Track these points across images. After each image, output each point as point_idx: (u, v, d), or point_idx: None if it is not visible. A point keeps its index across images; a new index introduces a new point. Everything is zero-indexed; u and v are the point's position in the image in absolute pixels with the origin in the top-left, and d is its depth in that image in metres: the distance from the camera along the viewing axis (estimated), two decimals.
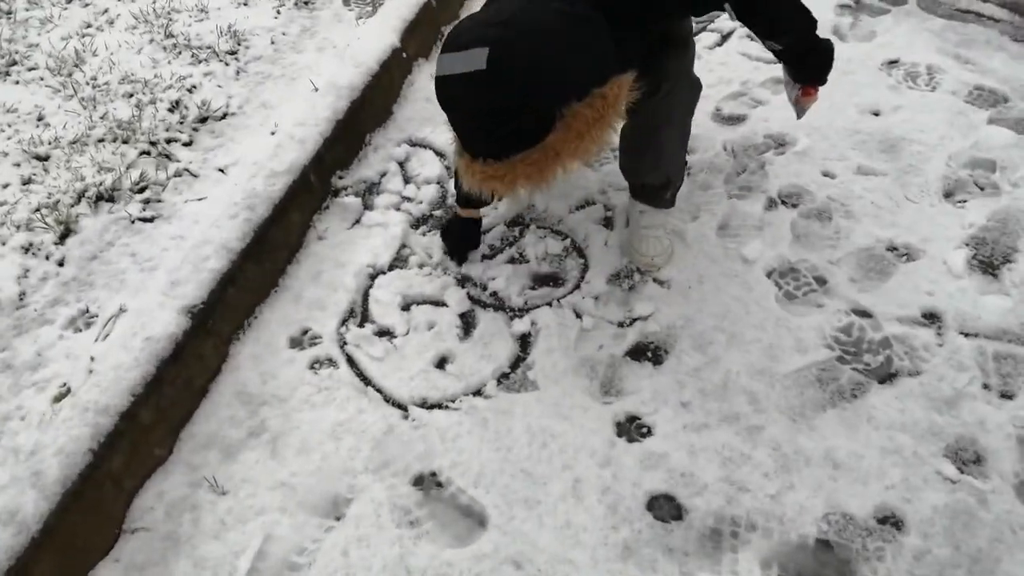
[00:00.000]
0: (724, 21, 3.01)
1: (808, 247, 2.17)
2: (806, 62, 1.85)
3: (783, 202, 2.30)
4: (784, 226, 2.22)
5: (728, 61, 2.79)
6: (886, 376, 1.87)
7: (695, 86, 2.01)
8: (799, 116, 2.02)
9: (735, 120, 2.60)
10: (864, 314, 2.00)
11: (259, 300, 2.12)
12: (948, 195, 2.29)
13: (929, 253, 2.12)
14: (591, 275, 2.14)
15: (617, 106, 1.59)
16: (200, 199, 2.30)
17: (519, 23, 1.53)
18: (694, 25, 2.53)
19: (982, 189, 2.30)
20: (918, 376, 1.86)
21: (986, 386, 1.84)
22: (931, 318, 1.98)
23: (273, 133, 2.48)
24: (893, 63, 2.76)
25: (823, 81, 1.89)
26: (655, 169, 2.06)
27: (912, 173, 2.34)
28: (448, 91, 1.60)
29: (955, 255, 2.11)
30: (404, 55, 2.78)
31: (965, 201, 2.27)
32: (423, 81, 2.81)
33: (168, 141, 2.47)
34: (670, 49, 1.85)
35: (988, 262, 2.10)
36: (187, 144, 2.48)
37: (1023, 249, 2.13)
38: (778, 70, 2.70)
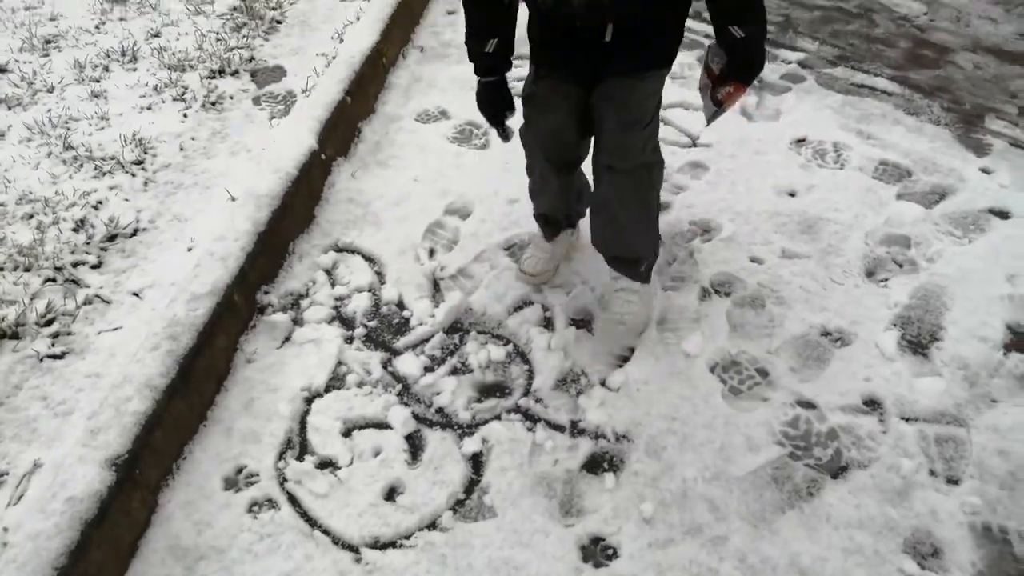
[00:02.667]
0: None
1: (746, 337, 2.19)
2: (755, 57, 1.83)
3: (716, 291, 2.33)
4: (720, 317, 2.25)
5: None
6: (838, 470, 1.89)
7: (657, 163, 2.04)
8: (712, 120, 2.00)
9: (661, 208, 2.63)
10: (808, 405, 2.02)
11: (187, 438, 1.98)
12: (870, 274, 2.37)
13: (861, 336, 2.18)
14: (538, 382, 2.10)
15: None
16: (115, 328, 2.14)
17: None
18: None
19: (901, 266, 2.39)
20: (868, 468, 1.89)
21: (932, 472, 1.88)
22: (872, 405, 2.03)
23: (190, 249, 2.36)
24: (801, 141, 2.88)
25: (752, 80, 1.89)
26: (621, 245, 2.11)
27: (834, 254, 2.42)
28: None
29: (885, 337, 2.17)
30: (323, 156, 2.71)
31: (887, 280, 2.35)
32: (344, 181, 2.75)
33: (75, 265, 2.31)
34: (628, 117, 1.91)
35: (917, 342, 2.17)
36: (96, 267, 2.33)
37: (947, 326, 2.21)
38: (695, 154, 2.78)
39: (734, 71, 1.85)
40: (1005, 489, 1.84)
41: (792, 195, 2.65)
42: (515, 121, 2.10)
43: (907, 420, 1.98)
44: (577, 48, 1.91)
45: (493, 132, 2.88)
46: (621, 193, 2.01)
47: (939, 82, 3.23)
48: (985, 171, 2.74)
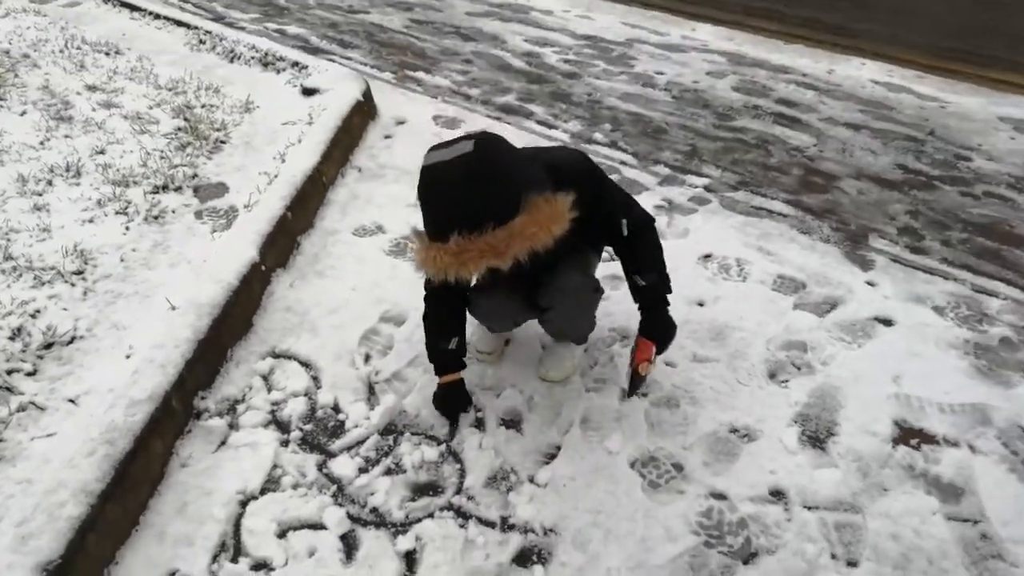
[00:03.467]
0: None
1: (662, 435, 2.36)
2: (661, 312, 2.25)
3: (635, 392, 2.50)
4: (639, 416, 2.41)
5: None
6: (748, 556, 2.03)
7: (597, 294, 2.38)
8: (633, 390, 2.37)
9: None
10: (720, 496, 2.18)
11: (120, 543, 1.99)
12: (772, 376, 2.59)
13: (766, 432, 2.37)
14: (469, 480, 2.20)
15: (564, 213, 1.90)
16: (49, 435, 2.16)
17: (491, 137, 1.91)
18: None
19: (799, 369, 2.63)
20: (775, 553, 2.03)
21: (833, 556, 2.04)
22: (777, 495, 2.19)
23: (128, 356, 2.41)
24: (707, 257, 3.16)
25: (665, 344, 2.30)
26: (573, 336, 2.54)
27: (740, 358, 2.64)
28: (433, 175, 1.87)
29: (788, 433, 2.37)
30: (263, 267, 2.84)
31: (787, 381, 2.57)
32: (282, 291, 2.87)
33: (9, 372, 2.34)
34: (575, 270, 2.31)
35: (816, 437, 2.38)
36: (31, 374, 2.36)
37: (842, 422, 2.43)
38: (613, 268, 3.00)
39: (644, 326, 2.29)
40: (898, 569, 2.00)
41: (701, 305, 2.89)
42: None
43: (809, 508, 2.15)
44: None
45: None
46: (572, 313, 2.37)
47: (828, 205, 3.61)
48: (870, 283, 3.06)
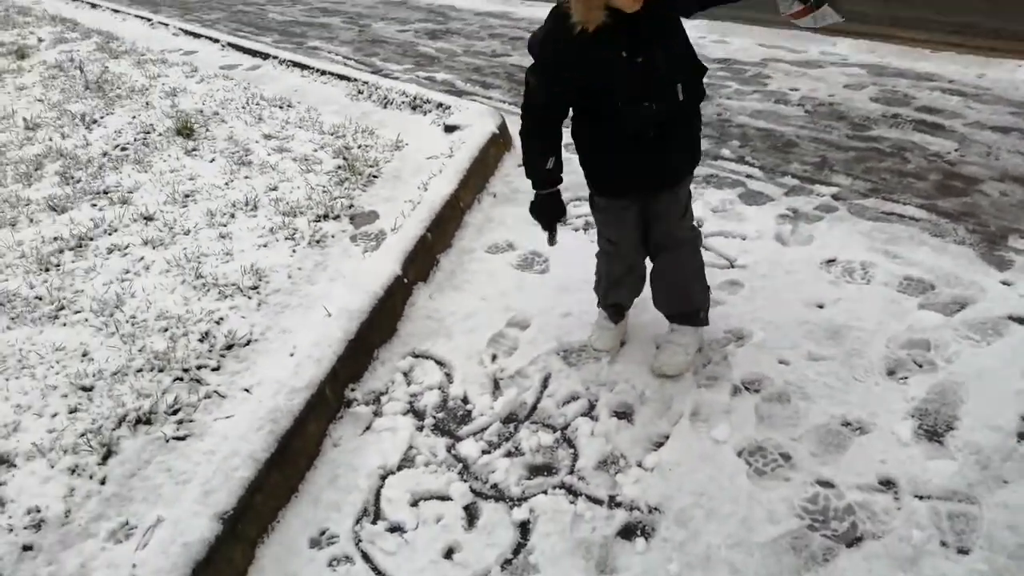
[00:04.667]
0: None
1: (772, 427, 2.43)
2: None
3: (746, 388, 2.59)
4: (749, 410, 2.50)
5: None
6: (853, 540, 2.06)
7: (696, 236, 2.62)
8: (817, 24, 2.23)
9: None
10: (827, 484, 2.22)
11: (281, 505, 2.33)
12: (891, 373, 2.59)
13: (879, 425, 2.38)
14: (581, 463, 2.38)
15: None
16: (228, 417, 2.57)
17: None
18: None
19: (920, 366, 2.60)
20: (881, 539, 2.05)
21: (943, 543, 2.03)
22: (887, 484, 2.21)
23: (292, 355, 2.81)
24: (831, 262, 3.18)
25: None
26: (683, 301, 2.68)
27: (856, 356, 2.66)
28: None
29: (902, 426, 2.37)
30: (405, 280, 3.19)
31: (906, 378, 2.56)
32: (423, 301, 3.20)
33: (199, 368, 2.79)
34: (673, 218, 2.50)
35: (933, 430, 2.36)
36: (215, 369, 2.80)
37: (962, 416, 2.39)
38: (732, 274, 3.11)
39: None
40: (1014, 559, 1.96)
41: (820, 307, 2.92)
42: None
43: (920, 498, 2.15)
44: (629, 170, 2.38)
45: (553, 258, 3.34)
46: (676, 265, 2.60)
47: (965, 208, 3.50)
48: (1006, 283, 2.95)
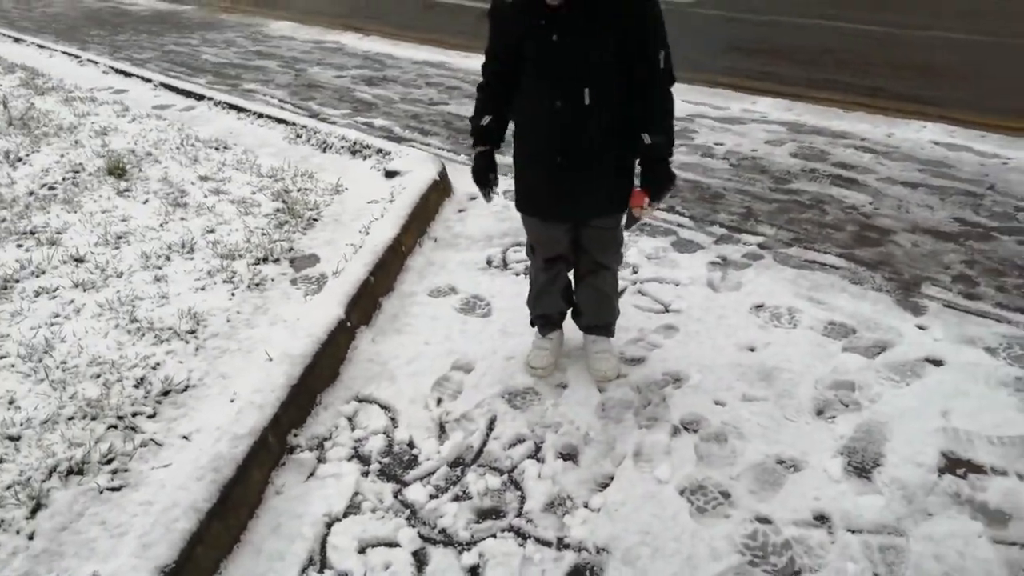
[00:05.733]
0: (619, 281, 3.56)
1: (710, 465, 2.51)
2: (660, 168, 2.46)
3: (685, 428, 2.68)
4: (688, 449, 2.58)
5: (625, 313, 3.28)
6: (792, 574, 2.14)
7: (621, 258, 2.89)
8: (629, 226, 2.67)
9: (637, 361, 3.04)
10: (765, 520, 2.31)
11: (223, 556, 2.27)
12: (819, 413, 2.72)
13: (811, 463, 2.49)
14: (528, 505, 2.41)
15: None
16: (166, 466, 2.50)
17: None
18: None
19: (846, 406, 2.74)
20: (818, 572, 2.14)
21: (876, 575, 2.13)
22: (822, 519, 2.31)
23: (232, 400, 2.76)
24: (760, 307, 3.33)
25: (660, 194, 2.51)
26: (605, 314, 2.95)
27: (787, 397, 2.78)
28: None
29: (832, 463, 2.48)
30: (348, 324, 3.18)
31: (834, 417, 2.69)
32: (365, 345, 3.20)
33: (134, 415, 2.71)
34: (607, 246, 2.74)
35: (861, 467, 2.48)
36: (152, 416, 2.72)
37: (887, 453, 2.53)
38: (668, 319, 3.22)
39: (643, 177, 2.49)
40: None
41: (752, 350, 3.05)
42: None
43: (853, 531, 2.25)
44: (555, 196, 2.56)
45: (495, 302, 3.40)
46: (603, 282, 2.84)
47: (881, 257, 3.73)
48: (921, 327, 3.15)
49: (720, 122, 5.82)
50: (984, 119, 5.60)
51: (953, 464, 2.48)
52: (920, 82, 6.58)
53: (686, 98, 6.35)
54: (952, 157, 4.98)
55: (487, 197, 2.71)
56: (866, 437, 2.60)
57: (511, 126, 2.63)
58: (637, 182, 2.53)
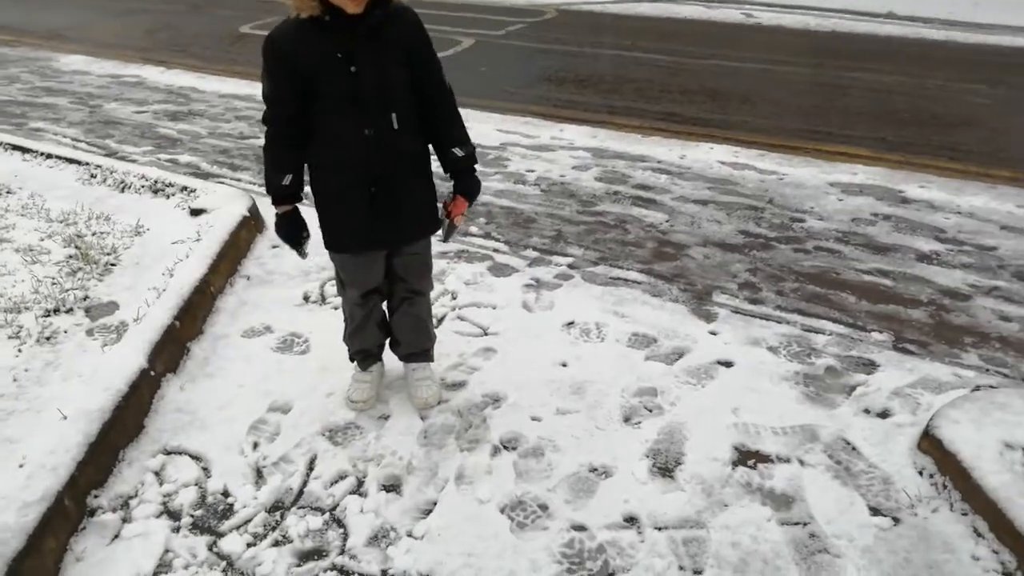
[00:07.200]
0: (439, 308, 3.62)
1: (529, 481, 2.61)
2: (472, 176, 2.62)
3: (505, 447, 2.76)
4: (508, 467, 2.66)
5: (445, 339, 3.34)
6: None
7: (431, 285, 2.93)
8: (448, 236, 2.70)
9: (458, 386, 3.10)
10: (581, 528, 2.42)
11: None
12: (627, 419, 2.90)
13: (620, 468, 2.65)
14: (351, 542, 2.39)
15: None
16: None
17: None
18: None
19: (651, 411, 2.94)
20: (629, 571, 2.28)
21: (681, 567, 2.29)
22: (631, 520, 2.46)
23: (21, 466, 2.53)
24: (571, 324, 3.50)
25: (474, 198, 2.64)
26: (423, 339, 2.98)
27: (597, 407, 2.95)
28: None
29: (639, 465, 2.66)
30: (152, 373, 3.01)
31: (640, 422, 2.88)
32: (173, 394, 3.04)
33: None
34: (421, 270, 2.79)
35: (664, 467, 2.67)
36: None
37: (688, 452, 2.73)
38: (486, 341, 3.31)
39: (459, 186, 2.61)
40: (737, 572, 2.27)
41: (564, 365, 3.20)
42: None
43: (659, 529, 2.42)
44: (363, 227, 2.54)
45: (313, 338, 3.35)
46: (418, 309, 2.87)
47: (677, 271, 4.04)
48: (713, 332, 3.45)
49: (531, 149, 6.06)
50: (764, 139, 6.21)
51: (744, 456, 2.72)
52: (708, 106, 7.20)
53: (499, 127, 6.58)
54: (736, 175, 5.48)
55: (302, 254, 2.65)
56: (668, 438, 2.80)
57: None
58: (441, 195, 2.64)
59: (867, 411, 2.94)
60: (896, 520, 2.45)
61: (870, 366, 3.22)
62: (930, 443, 2.66)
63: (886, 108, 7.10)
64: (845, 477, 2.63)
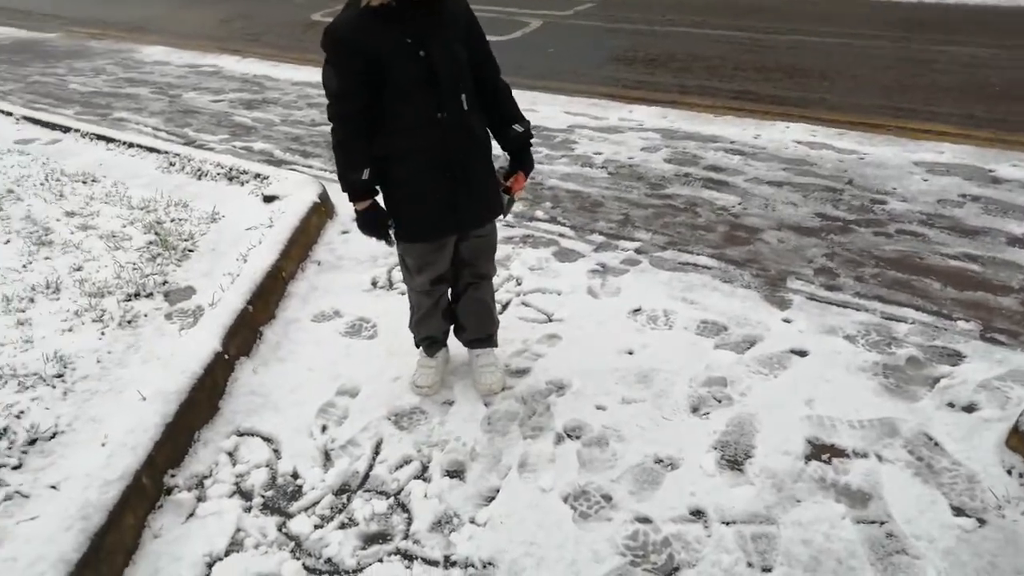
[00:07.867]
0: (504, 294, 3.61)
1: (592, 471, 2.58)
2: (529, 149, 2.66)
3: (568, 436, 2.74)
4: (572, 456, 2.64)
5: (509, 325, 3.33)
6: (671, 571, 2.22)
7: (495, 269, 2.93)
8: (508, 209, 2.69)
9: (522, 372, 3.09)
10: (645, 520, 2.39)
11: None
12: (695, 410, 2.83)
13: (687, 460, 2.60)
14: (415, 527, 2.41)
15: None
16: (33, 518, 2.37)
17: None
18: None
19: (719, 402, 2.87)
20: (695, 566, 2.23)
21: (749, 563, 2.23)
22: (697, 514, 2.40)
23: (103, 444, 2.64)
24: (637, 311, 3.44)
25: (529, 173, 2.70)
26: (487, 325, 2.98)
27: (664, 396, 2.89)
28: None
29: (707, 458, 2.59)
30: (226, 356, 3.10)
31: (708, 413, 2.81)
32: (246, 377, 3.12)
33: None
34: (488, 253, 2.79)
35: (733, 460, 2.60)
36: (17, 467, 2.58)
37: (758, 444, 2.66)
38: (551, 328, 3.29)
39: (519, 163, 2.64)
40: (808, 571, 2.20)
41: (630, 353, 3.15)
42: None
43: (727, 523, 2.36)
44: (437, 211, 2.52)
45: (381, 323, 3.38)
46: (483, 294, 2.88)
47: (749, 255, 3.92)
48: (786, 320, 3.33)
49: (599, 132, 5.98)
50: (844, 117, 5.97)
51: (818, 450, 2.63)
52: (786, 84, 6.95)
53: (567, 109, 6.51)
54: (813, 155, 5.28)
55: (390, 243, 2.59)
56: (738, 430, 2.73)
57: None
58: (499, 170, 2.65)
59: (951, 405, 2.80)
60: (981, 521, 2.33)
61: (955, 357, 3.06)
62: (1020, 440, 2.51)
63: (976, 82, 6.72)
64: (926, 474, 2.51)
